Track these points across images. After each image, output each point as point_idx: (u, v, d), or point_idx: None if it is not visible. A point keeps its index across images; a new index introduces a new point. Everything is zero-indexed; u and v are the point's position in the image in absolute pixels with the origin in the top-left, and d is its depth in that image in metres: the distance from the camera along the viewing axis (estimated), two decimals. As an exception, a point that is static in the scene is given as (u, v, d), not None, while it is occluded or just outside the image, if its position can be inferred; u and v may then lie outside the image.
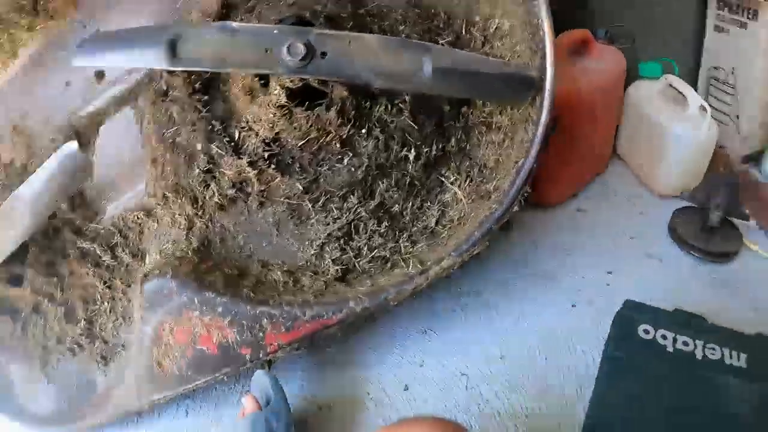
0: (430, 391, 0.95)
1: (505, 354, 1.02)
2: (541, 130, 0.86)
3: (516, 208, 0.88)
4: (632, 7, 1.52)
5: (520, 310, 1.12)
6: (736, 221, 1.33)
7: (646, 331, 0.94)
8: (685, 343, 0.93)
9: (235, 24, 0.76)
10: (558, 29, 1.18)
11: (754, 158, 1.56)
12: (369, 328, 1.05)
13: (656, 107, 1.41)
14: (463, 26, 0.93)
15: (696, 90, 1.42)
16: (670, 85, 1.40)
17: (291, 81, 0.80)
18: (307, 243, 0.89)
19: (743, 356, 0.91)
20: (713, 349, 0.92)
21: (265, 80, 0.83)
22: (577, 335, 1.06)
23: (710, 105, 1.52)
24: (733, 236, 1.30)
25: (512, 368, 1.00)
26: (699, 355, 0.91)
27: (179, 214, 0.87)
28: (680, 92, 1.36)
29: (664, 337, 0.94)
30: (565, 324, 1.09)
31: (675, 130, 1.35)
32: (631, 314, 0.97)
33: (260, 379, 0.88)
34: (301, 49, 0.73)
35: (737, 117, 1.51)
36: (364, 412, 0.94)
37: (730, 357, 0.91)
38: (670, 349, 0.92)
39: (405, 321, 1.07)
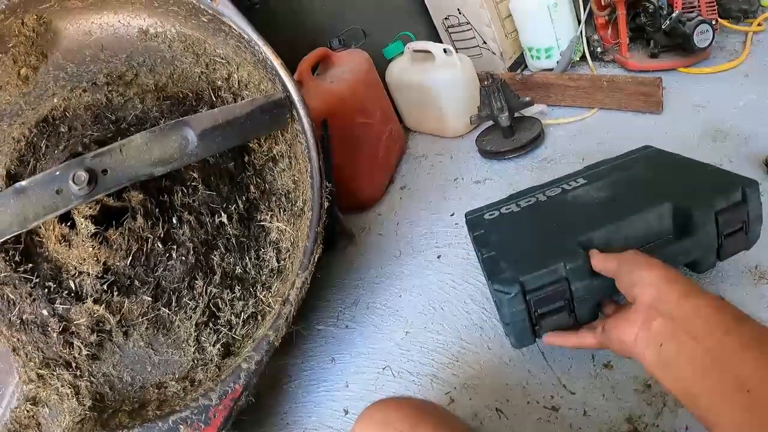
0: (367, 401, 0.91)
1: (407, 329, 1.06)
2: (309, 133, 0.95)
3: (326, 204, 0.96)
4: (352, 9, 1.71)
5: (400, 288, 1.17)
6: (529, 111, 1.51)
7: (492, 214, 1.00)
8: (528, 201, 0.99)
9: (22, 183, 0.81)
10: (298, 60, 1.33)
11: (519, 64, 1.77)
12: (282, 384, 1.07)
13: (413, 74, 1.58)
14: (212, 95, 1.02)
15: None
16: (414, 51, 1.57)
17: (89, 208, 0.86)
18: (184, 345, 0.92)
19: (580, 179, 1.00)
20: (552, 190, 1.00)
21: (71, 222, 0.88)
22: (455, 273, 1.14)
23: (460, 48, 1.73)
24: (531, 124, 1.47)
25: (420, 334, 1.04)
26: (543, 198, 0.98)
27: (62, 386, 0.88)
28: (424, 50, 1.54)
29: (507, 208, 1.00)
30: (439, 273, 1.16)
31: (435, 79, 1.52)
32: (474, 218, 1.04)
33: None
34: (84, 176, 0.80)
35: (485, 43, 1.71)
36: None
37: (569, 185, 0.99)
38: (516, 210, 0.98)
39: (311, 362, 1.09)
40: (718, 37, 1.42)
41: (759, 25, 1.54)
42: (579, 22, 1.66)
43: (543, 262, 0.77)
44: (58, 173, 0.81)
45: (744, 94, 1.30)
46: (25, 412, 0.89)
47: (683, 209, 0.77)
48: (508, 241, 0.88)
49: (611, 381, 0.82)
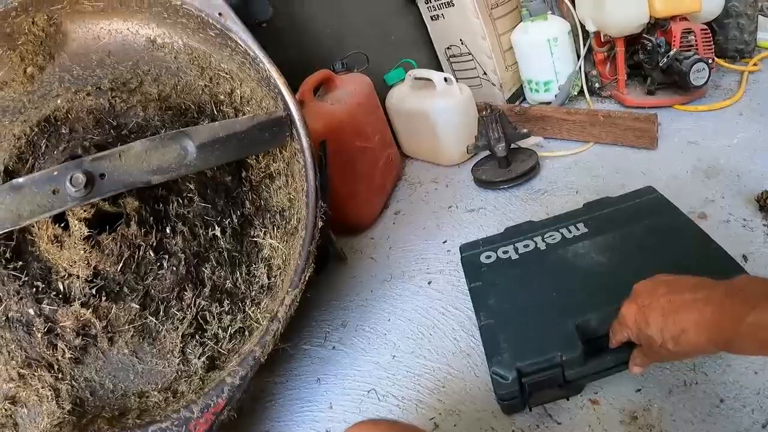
0: (350, 424, 0.90)
1: (394, 353, 1.06)
2: (308, 153, 0.96)
3: (320, 223, 0.96)
4: (356, 34, 1.74)
5: (389, 312, 1.17)
6: (525, 143, 1.53)
7: (488, 256, 1.03)
8: (526, 246, 1.02)
9: (19, 179, 0.80)
10: (300, 80, 1.35)
11: (517, 96, 1.79)
12: (265, 402, 1.06)
13: (413, 100, 1.60)
14: (214, 108, 1.03)
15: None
16: (415, 78, 1.60)
17: (84, 210, 0.85)
18: (169, 355, 0.91)
19: (581, 225, 1.03)
20: (552, 235, 1.02)
21: (65, 223, 0.87)
22: (445, 300, 1.14)
23: (460, 77, 1.76)
24: (526, 155, 1.48)
25: (407, 358, 1.04)
26: (542, 246, 1.01)
27: (42, 387, 0.86)
28: (425, 78, 1.56)
29: (505, 252, 1.03)
30: (429, 299, 1.16)
31: (435, 107, 1.54)
32: (470, 253, 1.06)
33: None
34: (81, 178, 0.79)
35: (485, 74, 1.74)
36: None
37: (570, 232, 1.02)
38: (515, 257, 1.01)
39: (295, 381, 1.08)
40: (713, 76, 1.44)
41: (755, 65, 1.57)
42: (578, 57, 1.69)
43: (541, 348, 0.81)
44: (55, 173, 0.80)
45: (737, 132, 1.32)
46: (3, 410, 0.87)
47: None
48: (506, 310, 0.91)
49: (597, 413, 0.82)
